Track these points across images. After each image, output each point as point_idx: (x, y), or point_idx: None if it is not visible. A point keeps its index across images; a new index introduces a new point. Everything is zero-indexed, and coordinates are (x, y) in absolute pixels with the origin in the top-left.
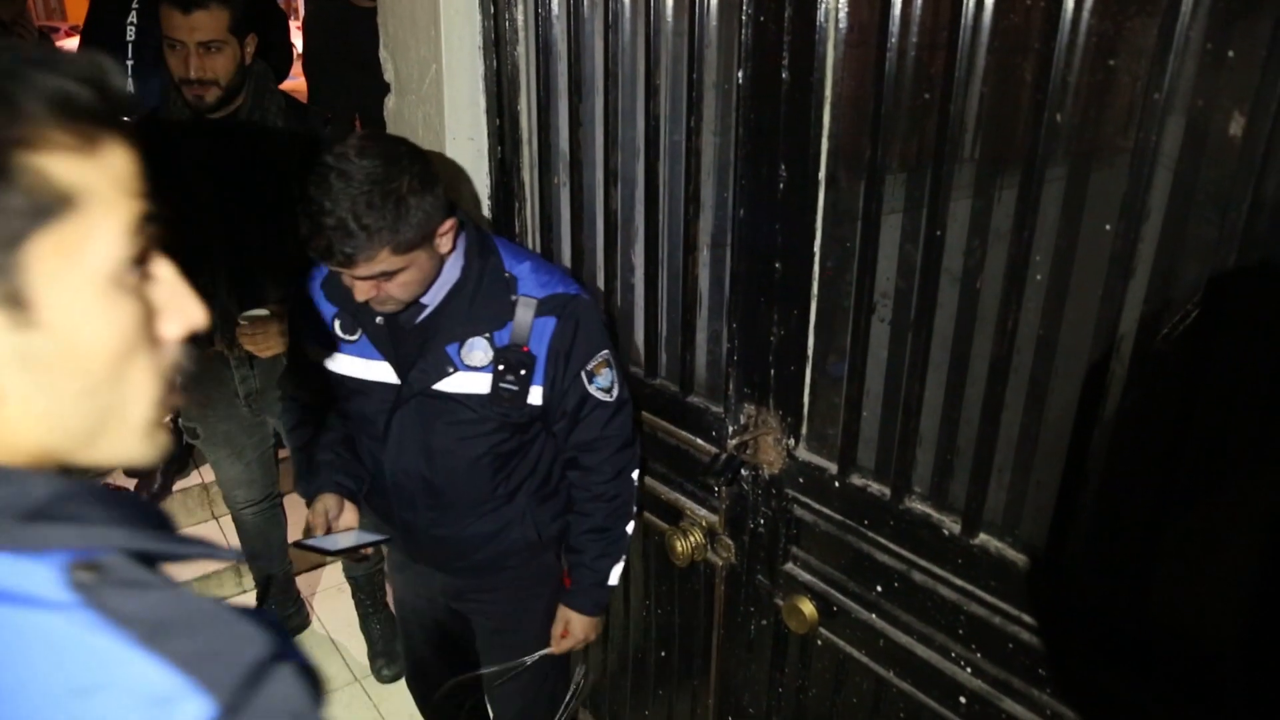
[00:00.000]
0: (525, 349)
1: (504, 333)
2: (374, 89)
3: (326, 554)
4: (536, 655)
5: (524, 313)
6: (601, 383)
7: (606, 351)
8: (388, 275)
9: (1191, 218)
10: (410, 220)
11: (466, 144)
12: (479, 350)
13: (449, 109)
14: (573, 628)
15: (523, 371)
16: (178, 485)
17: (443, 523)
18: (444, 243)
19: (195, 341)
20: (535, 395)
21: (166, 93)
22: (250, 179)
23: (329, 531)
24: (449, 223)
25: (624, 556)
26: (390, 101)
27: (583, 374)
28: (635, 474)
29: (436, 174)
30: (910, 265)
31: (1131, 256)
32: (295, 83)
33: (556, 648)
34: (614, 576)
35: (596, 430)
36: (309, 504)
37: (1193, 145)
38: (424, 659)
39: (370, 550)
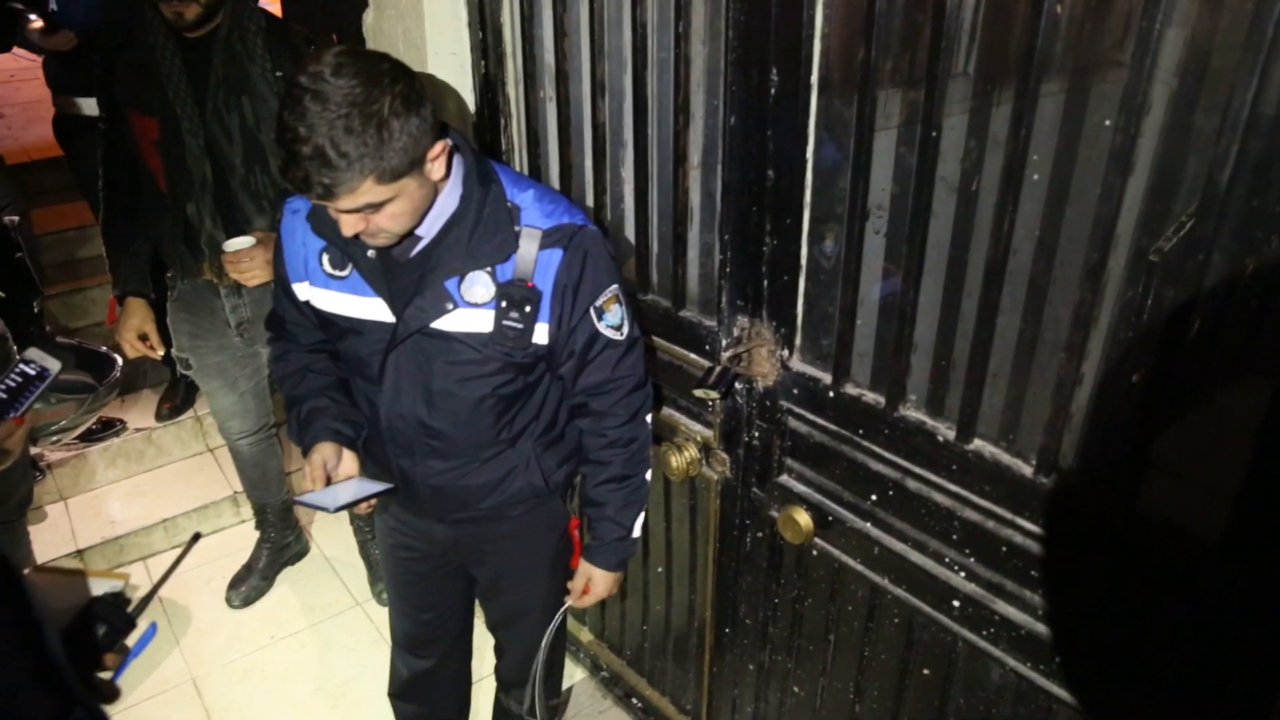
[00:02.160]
0: (530, 284)
1: (507, 266)
2: (347, 6)
3: (328, 511)
4: (562, 610)
5: (528, 245)
6: (611, 320)
7: (616, 286)
8: (374, 207)
9: (1196, 110)
10: (394, 146)
11: (449, 59)
12: (480, 285)
13: (430, 23)
14: (595, 585)
15: (527, 308)
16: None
17: (443, 471)
18: (435, 169)
19: (184, 269)
20: (541, 333)
21: (142, 10)
22: (231, 102)
23: (328, 482)
24: (439, 146)
25: (645, 506)
26: (369, 16)
27: (591, 310)
28: (649, 417)
29: (423, 92)
30: (905, 171)
31: (1132, 152)
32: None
33: (578, 602)
34: (637, 528)
35: (607, 371)
36: (305, 454)
37: (1198, 35)
38: (411, 616)
39: (375, 503)
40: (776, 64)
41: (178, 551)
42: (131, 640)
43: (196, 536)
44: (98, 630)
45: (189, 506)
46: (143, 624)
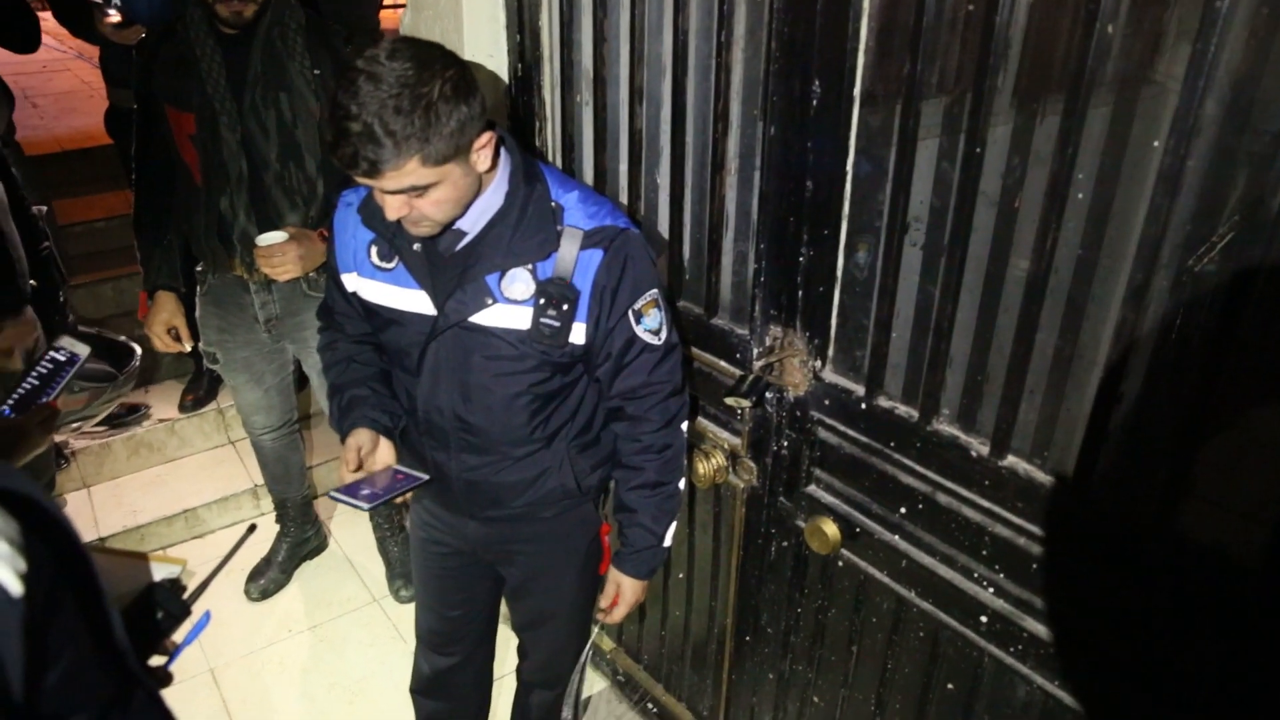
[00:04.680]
0: (568, 283)
1: (547, 264)
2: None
3: (362, 509)
4: (596, 629)
5: (569, 245)
6: (650, 324)
7: (655, 291)
8: (419, 190)
9: (1246, 133)
10: (441, 129)
11: (486, 61)
12: (520, 282)
13: (467, 24)
14: (624, 593)
15: (565, 306)
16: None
17: (476, 466)
18: (481, 159)
19: (216, 263)
20: (578, 333)
21: (184, 5)
22: (269, 98)
23: (359, 468)
24: (486, 136)
25: (677, 515)
26: (406, 17)
27: (630, 313)
28: (685, 425)
29: (474, 83)
30: (946, 185)
31: (1180, 174)
32: None
33: (609, 617)
34: (669, 537)
35: (643, 376)
36: (342, 441)
37: (1252, 54)
38: (437, 613)
39: (410, 497)
40: (819, 75)
41: (196, 542)
42: (186, 628)
43: (253, 528)
44: (156, 615)
45: (210, 498)
46: (196, 612)
